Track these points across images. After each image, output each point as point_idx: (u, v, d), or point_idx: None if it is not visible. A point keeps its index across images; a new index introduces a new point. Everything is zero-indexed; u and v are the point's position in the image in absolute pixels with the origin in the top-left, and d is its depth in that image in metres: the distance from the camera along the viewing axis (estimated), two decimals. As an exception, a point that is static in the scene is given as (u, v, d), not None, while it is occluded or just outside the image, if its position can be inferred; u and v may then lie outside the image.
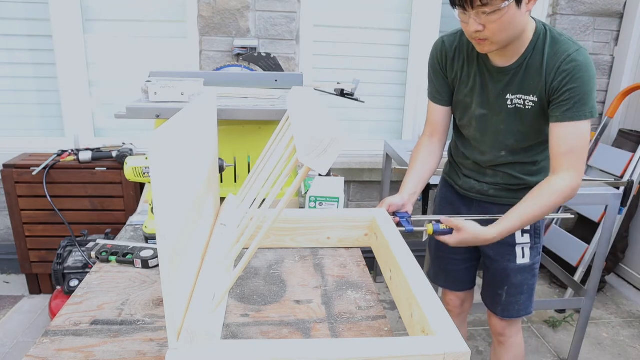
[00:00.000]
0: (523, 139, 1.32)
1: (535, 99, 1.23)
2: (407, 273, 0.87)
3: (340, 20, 2.73)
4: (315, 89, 1.86)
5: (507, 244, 1.43)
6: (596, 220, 2.69)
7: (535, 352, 2.35)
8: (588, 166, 2.89)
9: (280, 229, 1.17)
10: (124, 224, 1.42)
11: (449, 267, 1.63)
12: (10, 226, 2.48)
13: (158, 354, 0.80)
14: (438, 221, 1.22)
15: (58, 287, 2.16)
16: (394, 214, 1.27)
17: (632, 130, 2.82)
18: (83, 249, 2.06)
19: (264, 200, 0.78)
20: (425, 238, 1.31)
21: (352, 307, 0.95)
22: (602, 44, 2.87)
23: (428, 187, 1.87)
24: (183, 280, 0.71)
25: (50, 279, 2.57)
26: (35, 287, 2.62)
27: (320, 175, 1.64)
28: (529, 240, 1.44)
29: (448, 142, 1.56)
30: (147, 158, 1.28)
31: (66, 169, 2.38)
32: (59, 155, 2.43)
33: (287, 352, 0.65)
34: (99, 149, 2.43)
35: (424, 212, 1.97)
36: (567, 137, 1.18)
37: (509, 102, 1.27)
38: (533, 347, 2.39)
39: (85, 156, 2.35)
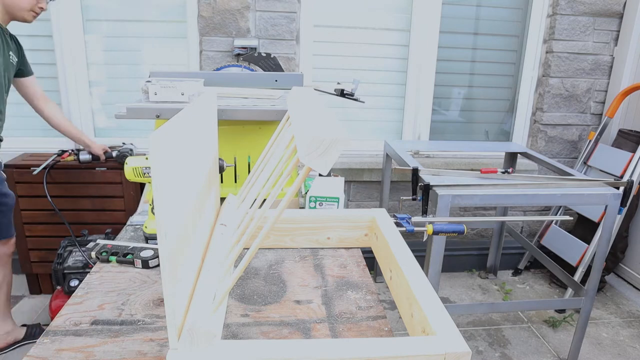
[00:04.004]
0: None
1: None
2: (407, 273, 0.87)
3: (340, 20, 2.73)
4: (315, 89, 1.86)
5: None
6: (596, 220, 2.69)
7: (535, 352, 2.35)
8: (588, 166, 2.89)
9: (280, 229, 1.17)
10: (124, 224, 1.42)
11: None
12: (10, 226, 2.48)
13: (158, 354, 0.80)
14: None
15: (58, 287, 2.16)
16: (394, 216, 1.27)
17: (631, 130, 2.82)
18: (83, 249, 2.06)
19: (264, 200, 0.78)
20: (425, 238, 1.31)
21: (352, 307, 0.95)
22: (602, 44, 2.87)
23: (428, 187, 1.87)
24: (184, 280, 0.71)
25: (51, 279, 2.57)
26: (36, 287, 2.62)
27: (320, 175, 1.64)
28: None
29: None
30: (147, 158, 1.28)
31: (66, 169, 2.38)
32: (59, 155, 2.43)
33: (287, 352, 0.65)
34: None
35: (424, 212, 1.97)
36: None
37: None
38: (533, 346, 2.39)
39: (85, 156, 2.35)
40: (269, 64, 2.37)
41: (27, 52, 2.60)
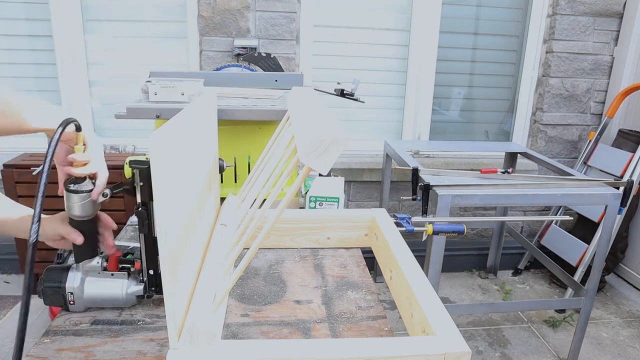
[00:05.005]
0: None
1: None
2: (407, 273, 0.87)
3: (340, 20, 2.73)
4: (315, 89, 1.86)
5: None
6: (596, 220, 2.69)
7: (535, 352, 2.35)
8: (588, 166, 2.89)
9: (280, 229, 1.17)
10: (124, 224, 1.42)
11: None
12: (10, 226, 2.48)
13: (158, 354, 0.80)
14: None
15: (58, 287, 2.16)
16: (394, 216, 1.27)
17: (631, 130, 2.82)
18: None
19: (264, 200, 0.78)
20: (425, 238, 1.31)
21: (352, 307, 0.95)
22: (602, 44, 2.87)
23: (428, 187, 1.87)
24: (184, 280, 0.71)
25: (50, 279, 2.57)
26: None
27: (320, 175, 1.64)
28: None
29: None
30: (147, 158, 1.28)
31: (66, 169, 2.38)
32: (59, 155, 2.43)
33: (287, 352, 0.65)
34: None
35: (424, 212, 1.97)
36: None
37: None
38: (533, 346, 2.39)
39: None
40: (269, 64, 2.37)
41: (28, 52, 2.61)
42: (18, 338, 0.68)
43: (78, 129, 0.83)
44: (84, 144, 0.86)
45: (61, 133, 0.77)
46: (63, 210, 0.92)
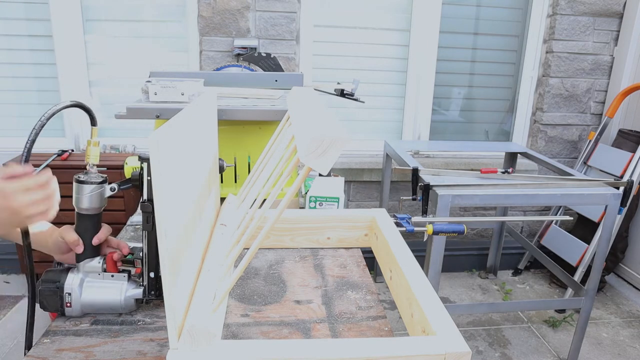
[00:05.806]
0: None
1: None
2: (407, 273, 0.87)
3: (340, 20, 2.73)
4: (315, 89, 1.86)
5: None
6: (596, 220, 2.69)
7: (535, 351, 2.35)
8: (588, 166, 2.89)
9: (280, 229, 1.17)
10: (124, 224, 1.42)
11: None
12: (10, 226, 2.48)
13: (158, 354, 0.80)
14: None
15: (58, 287, 2.16)
16: (394, 216, 1.27)
17: (631, 130, 2.82)
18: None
19: (264, 200, 0.78)
20: (425, 238, 1.31)
21: (352, 307, 0.95)
22: (602, 44, 2.87)
23: (428, 187, 1.87)
24: (184, 280, 0.71)
25: (50, 279, 2.57)
26: (35, 287, 2.62)
27: (320, 175, 1.64)
28: None
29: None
30: (147, 158, 1.27)
31: (66, 169, 2.38)
32: (59, 155, 2.43)
33: (287, 352, 0.65)
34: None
35: (424, 212, 1.97)
36: None
37: None
38: (533, 346, 2.39)
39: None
40: (269, 64, 2.37)
41: (28, 52, 2.60)
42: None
43: (93, 122, 0.89)
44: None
45: (60, 110, 0.81)
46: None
